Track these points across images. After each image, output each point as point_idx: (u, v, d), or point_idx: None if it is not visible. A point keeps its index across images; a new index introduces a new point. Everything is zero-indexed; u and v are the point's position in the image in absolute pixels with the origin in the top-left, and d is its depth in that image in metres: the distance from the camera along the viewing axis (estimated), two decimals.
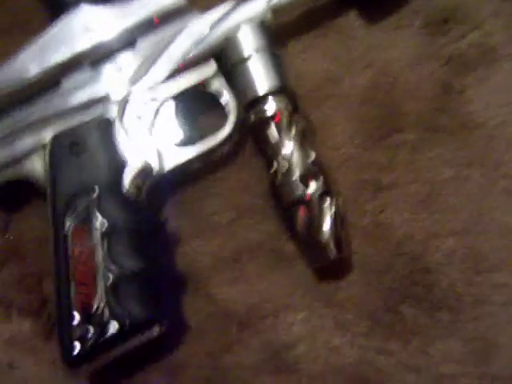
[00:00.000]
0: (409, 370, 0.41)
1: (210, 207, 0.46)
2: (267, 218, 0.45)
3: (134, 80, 0.45)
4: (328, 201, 0.42)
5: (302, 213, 0.42)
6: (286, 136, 0.43)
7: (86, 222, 0.41)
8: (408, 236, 0.44)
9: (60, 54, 0.44)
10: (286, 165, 0.42)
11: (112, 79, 0.45)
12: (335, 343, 0.42)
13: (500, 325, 0.41)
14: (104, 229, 0.41)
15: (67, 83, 0.45)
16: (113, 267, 0.40)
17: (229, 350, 0.43)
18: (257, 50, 0.44)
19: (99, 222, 0.41)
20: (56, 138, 0.44)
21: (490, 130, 0.45)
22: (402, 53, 0.47)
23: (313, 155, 0.42)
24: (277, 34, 0.46)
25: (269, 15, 0.45)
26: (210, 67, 0.45)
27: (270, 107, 0.43)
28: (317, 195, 0.41)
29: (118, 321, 0.39)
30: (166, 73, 0.45)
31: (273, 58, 0.44)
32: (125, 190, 0.42)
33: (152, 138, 0.44)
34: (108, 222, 0.41)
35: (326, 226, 0.41)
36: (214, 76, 0.45)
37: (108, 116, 0.44)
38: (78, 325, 0.39)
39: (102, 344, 0.39)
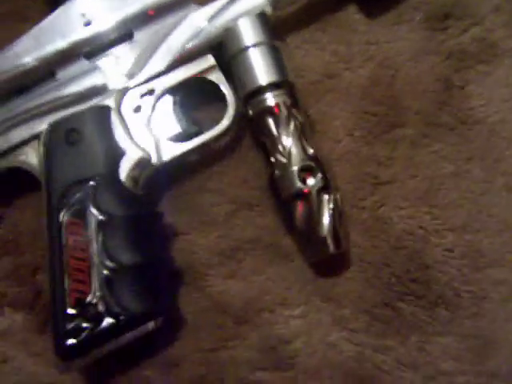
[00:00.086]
0: (406, 366, 0.41)
1: (208, 201, 0.46)
2: (265, 212, 0.45)
3: (132, 71, 0.44)
4: (327, 195, 0.41)
5: (300, 207, 0.41)
6: (285, 130, 0.42)
7: (82, 213, 0.41)
8: (407, 231, 0.43)
9: (56, 44, 0.44)
10: (284, 159, 0.42)
11: (109, 70, 0.44)
12: (332, 339, 0.42)
13: (498, 321, 0.41)
14: (99, 221, 0.40)
15: (63, 73, 0.44)
16: (108, 260, 0.39)
17: (225, 345, 0.43)
18: (256, 43, 0.43)
19: (95, 213, 0.40)
20: (52, 127, 0.43)
21: (490, 125, 0.45)
22: (402, 47, 0.47)
23: (311, 149, 0.42)
24: (276, 27, 0.45)
25: (268, 8, 0.45)
26: (208, 60, 0.45)
27: (269, 101, 0.42)
28: (315, 190, 0.41)
29: (113, 314, 0.39)
30: (165, 64, 0.44)
31: (272, 51, 0.44)
32: (121, 181, 0.42)
33: (150, 130, 0.44)
34: (104, 213, 0.40)
35: (325, 220, 0.41)
36: (211, 69, 0.45)
37: (105, 105, 0.44)
38: (72, 318, 0.39)
39: (96, 337, 0.39)
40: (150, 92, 0.44)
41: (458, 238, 0.43)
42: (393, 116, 0.46)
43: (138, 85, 0.44)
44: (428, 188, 0.44)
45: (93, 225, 0.40)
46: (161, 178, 0.45)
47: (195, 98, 0.46)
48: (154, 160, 0.43)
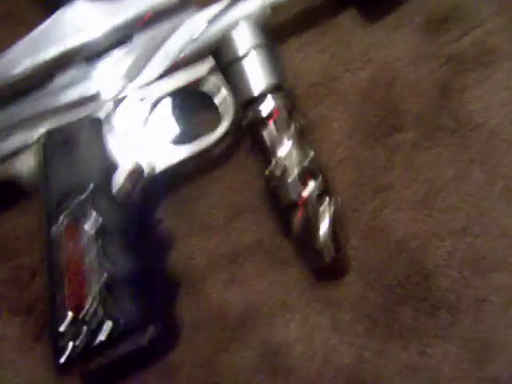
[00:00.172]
0: (407, 371, 0.41)
1: (207, 206, 0.45)
2: (264, 217, 0.45)
3: (129, 77, 0.44)
4: (326, 201, 0.41)
5: (299, 213, 0.41)
6: (284, 135, 0.42)
7: (79, 220, 0.40)
8: (407, 236, 0.43)
9: (52, 50, 0.43)
10: (283, 164, 0.41)
11: (106, 76, 0.44)
12: (333, 344, 0.42)
13: (499, 326, 0.41)
14: (97, 227, 0.40)
15: (60, 80, 0.44)
16: (106, 267, 0.39)
17: (225, 351, 0.42)
18: (254, 47, 0.43)
19: (92, 220, 0.40)
20: (48, 135, 0.43)
21: (489, 129, 0.44)
22: (401, 51, 0.47)
23: (311, 154, 0.42)
24: (275, 31, 0.45)
25: (267, 12, 0.44)
26: (207, 64, 0.44)
27: (268, 105, 0.42)
28: (315, 195, 0.41)
29: (112, 322, 0.38)
30: (162, 70, 0.44)
31: (271, 55, 0.44)
32: (118, 187, 0.41)
33: (145, 138, 0.43)
34: (101, 220, 0.40)
35: (325, 226, 0.40)
36: (211, 73, 0.44)
37: (100, 114, 0.43)
38: (70, 325, 0.38)
39: (95, 345, 0.38)
40: (148, 97, 0.44)
41: (459, 241, 0.43)
42: (392, 119, 0.46)
43: (136, 90, 0.44)
44: (428, 191, 0.44)
45: (90, 231, 0.40)
46: (158, 184, 0.44)
47: (193, 102, 0.46)
48: (149, 169, 0.43)
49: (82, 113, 0.43)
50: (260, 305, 0.43)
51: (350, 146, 0.45)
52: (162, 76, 0.44)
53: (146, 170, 0.43)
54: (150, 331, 0.40)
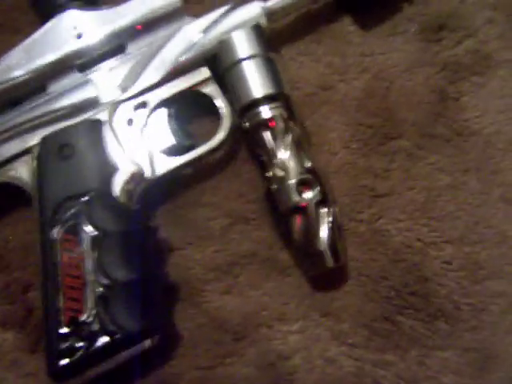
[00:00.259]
0: (406, 381, 0.41)
1: (203, 215, 0.45)
2: (261, 225, 0.44)
3: (125, 83, 0.44)
4: (325, 208, 0.41)
5: (298, 221, 0.41)
6: (281, 143, 0.42)
7: (75, 229, 0.40)
8: (405, 244, 0.43)
9: (48, 57, 0.43)
10: (281, 172, 0.41)
11: (102, 83, 0.44)
12: (331, 354, 0.42)
13: (498, 334, 0.41)
14: (94, 237, 0.39)
15: (55, 86, 0.44)
16: (103, 277, 0.39)
17: (223, 362, 0.42)
18: (251, 55, 0.43)
19: (89, 229, 0.40)
20: (44, 141, 0.42)
21: (485, 136, 0.44)
22: (397, 59, 0.47)
23: (309, 162, 0.42)
24: (271, 38, 0.45)
25: (263, 19, 0.44)
26: (203, 73, 0.44)
27: (265, 113, 0.42)
28: (313, 203, 0.40)
29: (108, 333, 0.38)
30: (158, 77, 0.44)
31: (267, 63, 0.43)
32: (115, 196, 0.41)
33: (144, 143, 0.43)
34: (98, 229, 0.40)
35: (323, 234, 0.40)
36: (206, 81, 0.44)
37: (98, 118, 0.43)
38: (66, 337, 0.38)
39: (91, 357, 0.38)
40: (144, 105, 0.44)
41: (456, 250, 0.42)
42: (388, 128, 0.45)
43: (132, 97, 0.44)
44: (425, 200, 0.44)
45: (87, 241, 0.39)
46: (155, 193, 0.44)
47: (189, 110, 0.46)
48: (148, 174, 0.43)
49: (77, 120, 0.43)
50: (258, 315, 0.43)
51: (346, 154, 0.45)
52: (158, 83, 0.44)
53: (147, 174, 0.42)
54: (147, 344, 0.39)
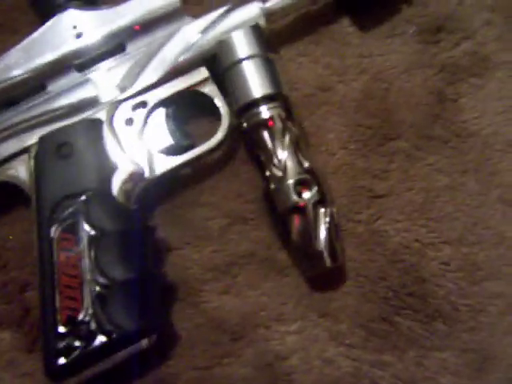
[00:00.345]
0: (404, 381, 0.40)
1: (202, 215, 0.45)
2: (260, 225, 0.44)
3: (124, 83, 0.44)
4: (323, 209, 0.41)
5: (296, 221, 0.41)
6: (280, 143, 0.42)
7: (73, 228, 0.40)
8: (403, 245, 0.43)
9: (47, 56, 0.43)
10: (279, 172, 0.41)
11: (101, 82, 0.44)
12: (329, 354, 0.41)
13: (496, 335, 0.41)
14: (91, 236, 0.39)
15: (54, 86, 0.44)
16: (100, 276, 0.38)
17: (220, 362, 0.42)
18: (250, 55, 0.43)
19: (86, 228, 0.40)
20: (42, 141, 0.42)
21: (484, 138, 0.45)
22: (395, 60, 0.47)
23: (307, 162, 0.42)
24: (270, 39, 0.45)
25: (262, 20, 0.44)
26: (202, 73, 0.44)
27: (264, 113, 0.42)
28: (311, 203, 0.40)
29: (105, 332, 0.38)
30: (157, 77, 0.44)
31: (266, 63, 0.43)
32: (113, 196, 0.41)
33: (142, 143, 0.43)
34: (96, 228, 0.40)
35: (321, 234, 0.40)
36: (205, 81, 0.44)
37: (97, 118, 0.43)
38: (64, 336, 0.38)
39: (88, 356, 0.38)
40: (143, 104, 0.44)
41: (455, 251, 0.42)
42: (387, 129, 0.46)
43: (131, 97, 0.44)
44: (423, 201, 0.44)
45: (85, 240, 0.39)
46: (153, 192, 0.44)
47: (188, 110, 0.46)
48: (147, 173, 0.42)
49: (76, 119, 0.43)
50: (256, 315, 0.43)
51: (345, 155, 0.45)
52: (157, 83, 0.44)
53: (146, 173, 0.42)
54: (144, 344, 0.39)
